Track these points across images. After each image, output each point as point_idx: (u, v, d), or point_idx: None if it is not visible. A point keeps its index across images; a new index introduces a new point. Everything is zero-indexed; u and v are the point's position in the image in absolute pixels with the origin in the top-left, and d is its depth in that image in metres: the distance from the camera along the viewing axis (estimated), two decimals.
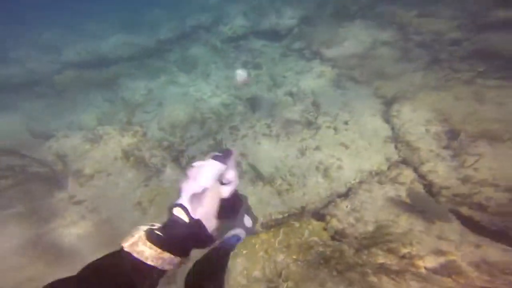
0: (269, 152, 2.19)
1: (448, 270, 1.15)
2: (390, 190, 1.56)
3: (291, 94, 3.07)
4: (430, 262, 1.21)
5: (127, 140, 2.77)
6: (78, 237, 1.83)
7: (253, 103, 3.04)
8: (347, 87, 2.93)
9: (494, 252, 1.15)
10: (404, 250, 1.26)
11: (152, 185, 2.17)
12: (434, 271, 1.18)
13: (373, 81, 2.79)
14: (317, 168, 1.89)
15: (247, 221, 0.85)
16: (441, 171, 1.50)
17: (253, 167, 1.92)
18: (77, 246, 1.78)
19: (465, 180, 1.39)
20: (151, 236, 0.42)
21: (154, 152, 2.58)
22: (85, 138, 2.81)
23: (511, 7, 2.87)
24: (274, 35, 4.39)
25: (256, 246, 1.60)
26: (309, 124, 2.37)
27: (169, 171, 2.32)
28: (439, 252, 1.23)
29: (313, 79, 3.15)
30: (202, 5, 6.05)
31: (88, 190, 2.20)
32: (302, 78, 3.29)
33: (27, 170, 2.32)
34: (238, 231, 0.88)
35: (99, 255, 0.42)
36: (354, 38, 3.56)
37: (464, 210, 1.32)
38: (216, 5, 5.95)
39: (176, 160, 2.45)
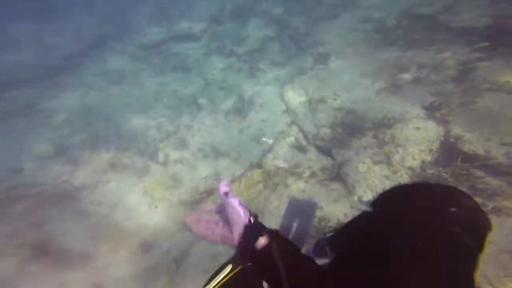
0: (220, 136, 3.01)
1: None
2: (289, 140, 2.71)
3: (222, 88, 3.79)
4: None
5: (106, 156, 3.03)
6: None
7: (197, 103, 3.63)
8: (258, 76, 3.86)
9: None
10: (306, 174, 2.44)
11: (147, 179, 2.71)
12: None
13: (271, 70, 3.81)
14: (251, 139, 2.87)
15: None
16: (307, 125, 2.72)
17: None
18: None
19: (316, 125, 2.65)
20: None
21: (133, 159, 2.98)
22: (62, 164, 2.89)
23: None
24: (190, 37, 4.66)
25: None
26: (240, 111, 3.25)
27: (155, 167, 2.85)
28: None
29: (235, 73, 3.91)
30: (98, 15, 5.38)
31: (100, 195, 2.57)
32: (227, 73, 3.99)
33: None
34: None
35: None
36: (253, 36, 4.37)
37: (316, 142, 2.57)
38: (115, 14, 5.42)
39: (154, 159, 2.94)
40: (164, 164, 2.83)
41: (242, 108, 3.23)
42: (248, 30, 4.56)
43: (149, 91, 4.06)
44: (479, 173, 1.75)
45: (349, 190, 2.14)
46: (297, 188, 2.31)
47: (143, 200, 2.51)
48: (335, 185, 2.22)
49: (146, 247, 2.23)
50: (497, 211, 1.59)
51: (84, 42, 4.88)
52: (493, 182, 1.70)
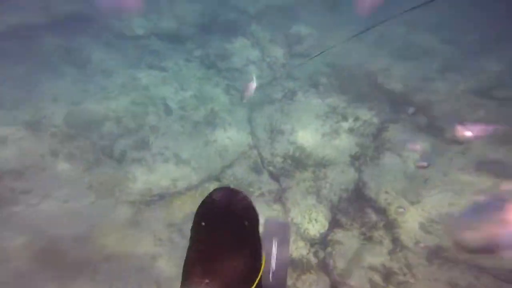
0: (184, 143, 3.22)
1: None
2: (248, 161, 3.12)
3: (196, 97, 3.99)
4: None
5: (50, 140, 2.86)
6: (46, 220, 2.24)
7: (167, 105, 3.74)
8: (232, 94, 4.20)
9: None
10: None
11: (96, 173, 2.70)
12: None
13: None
14: (214, 153, 3.18)
15: None
16: (265, 151, 3.19)
17: None
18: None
19: (272, 154, 3.16)
20: None
21: (83, 149, 2.91)
22: None
23: None
24: (175, 38, 4.70)
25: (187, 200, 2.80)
26: (209, 124, 3.53)
27: (108, 162, 2.85)
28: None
29: (212, 87, 4.16)
30: None
31: (28, 182, 2.42)
32: (203, 84, 4.21)
33: None
34: None
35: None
36: (237, 54, 4.72)
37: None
38: None
39: (108, 153, 2.93)
40: (119, 160, 2.88)
41: (212, 122, 3.53)
42: (235, 47, 4.89)
43: (116, 82, 3.94)
44: (369, 210, 2.52)
45: (286, 212, 2.68)
46: None
47: (86, 193, 2.52)
48: (276, 206, 2.73)
49: (78, 242, 2.18)
50: (370, 238, 2.34)
51: (54, 16, 4.31)
52: (373, 218, 2.47)
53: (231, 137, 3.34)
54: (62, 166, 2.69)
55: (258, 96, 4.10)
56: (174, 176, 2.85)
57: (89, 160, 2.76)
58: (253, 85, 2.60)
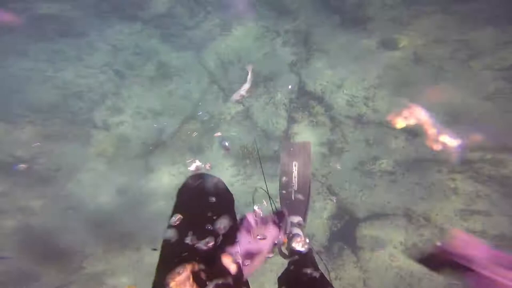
0: (152, 99, 3.46)
1: None
2: (212, 96, 3.60)
3: (137, 54, 3.89)
4: None
5: (33, 128, 2.93)
6: None
7: (114, 70, 3.65)
8: (173, 41, 4.15)
9: None
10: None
11: (94, 142, 3.01)
12: None
13: (185, 35, 4.19)
14: (181, 98, 3.54)
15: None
16: (223, 83, 3.66)
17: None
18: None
19: (229, 82, 3.65)
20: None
21: (68, 128, 3.05)
22: None
23: None
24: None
25: None
26: (164, 76, 3.71)
27: (96, 132, 3.11)
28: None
29: (146, 39, 4.00)
30: None
31: (50, 163, 2.71)
32: (137, 38, 3.99)
33: None
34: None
35: None
36: None
37: None
38: None
39: (92, 125, 3.14)
40: (106, 128, 3.14)
41: (166, 73, 3.70)
42: None
43: (40, 59, 3.56)
44: (312, 102, 3.43)
45: (254, 125, 3.46)
46: (224, 128, 3.40)
47: (100, 159, 2.91)
48: (246, 122, 3.47)
49: (120, 192, 2.85)
50: (317, 123, 3.31)
51: None
52: (315, 106, 3.41)
53: (189, 80, 3.66)
54: (63, 145, 2.92)
55: (198, 36, 4.16)
56: (158, 126, 3.26)
57: (80, 135, 3.00)
58: (246, 86, 2.62)
